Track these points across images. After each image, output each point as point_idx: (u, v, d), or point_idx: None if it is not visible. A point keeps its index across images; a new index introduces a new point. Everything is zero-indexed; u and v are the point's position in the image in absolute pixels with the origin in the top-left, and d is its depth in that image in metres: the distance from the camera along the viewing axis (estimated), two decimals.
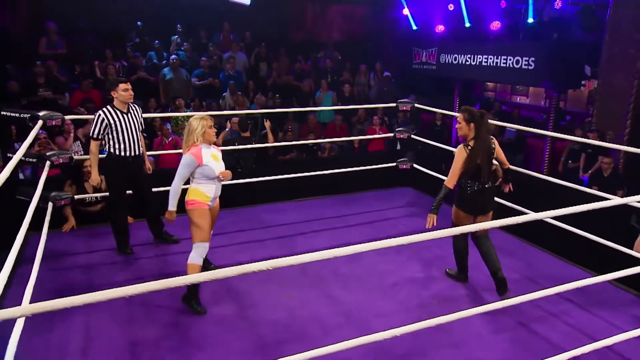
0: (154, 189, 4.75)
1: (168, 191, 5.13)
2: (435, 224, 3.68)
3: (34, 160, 4.60)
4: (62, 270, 4.26)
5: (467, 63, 9.73)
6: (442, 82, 10.84)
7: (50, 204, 4.51)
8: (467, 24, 10.01)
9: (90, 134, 4.20)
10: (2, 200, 4.38)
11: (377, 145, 8.44)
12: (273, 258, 4.68)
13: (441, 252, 4.71)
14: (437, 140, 6.10)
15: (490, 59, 9.17)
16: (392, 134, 6.44)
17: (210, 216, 3.73)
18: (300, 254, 4.72)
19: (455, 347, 3.28)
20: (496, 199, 5.13)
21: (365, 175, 6.16)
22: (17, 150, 5.26)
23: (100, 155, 4.45)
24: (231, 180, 5.64)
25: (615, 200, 2.64)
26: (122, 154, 4.25)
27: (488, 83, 12.04)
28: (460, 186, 3.86)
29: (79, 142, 6.25)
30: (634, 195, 4.30)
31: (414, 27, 11.33)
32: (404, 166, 5.92)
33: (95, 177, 4.32)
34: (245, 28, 10.51)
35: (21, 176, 6.05)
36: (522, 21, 9.08)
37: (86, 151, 6.25)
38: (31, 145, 6.32)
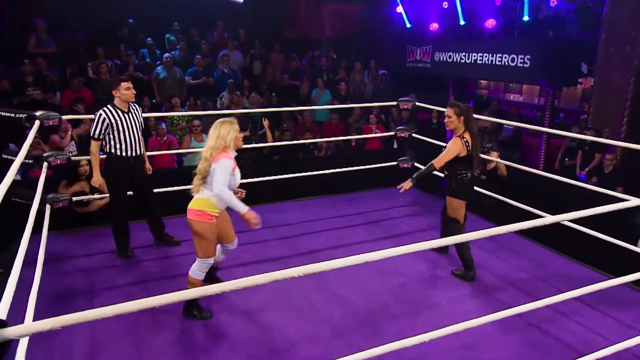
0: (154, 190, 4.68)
1: (167, 192, 5.10)
2: (407, 190, 4.16)
3: (31, 161, 4.49)
4: (62, 274, 4.16)
5: (462, 61, 9.74)
6: (437, 80, 10.85)
7: (47, 206, 4.41)
8: (462, 22, 10.03)
9: (91, 134, 4.10)
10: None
11: (374, 144, 8.40)
12: (278, 259, 4.68)
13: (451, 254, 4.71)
14: (434, 139, 6.09)
15: (486, 56, 9.19)
16: (392, 133, 6.40)
17: (217, 228, 3.43)
18: (305, 254, 4.75)
19: (467, 348, 3.25)
20: (499, 196, 5.18)
21: (365, 174, 6.13)
22: (11, 150, 5.20)
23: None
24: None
25: (634, 201, 2.62)
26: (123, 154, 4.16)
27: (481, 81, 12.08)
28: (455, 176, 4.09)
29: (73, 142, 6.12)
30: (631, 192, 4.34)
31: (408, 25, 11.33)
32: (405, 165, 5.89)
33: (97, 179, 4.22)
34: (239, 26, 10.41)
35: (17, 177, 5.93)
36: (517, 19, 9.11)
37: (81, 151, 6.17)
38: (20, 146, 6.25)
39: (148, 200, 4.52)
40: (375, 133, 8.13)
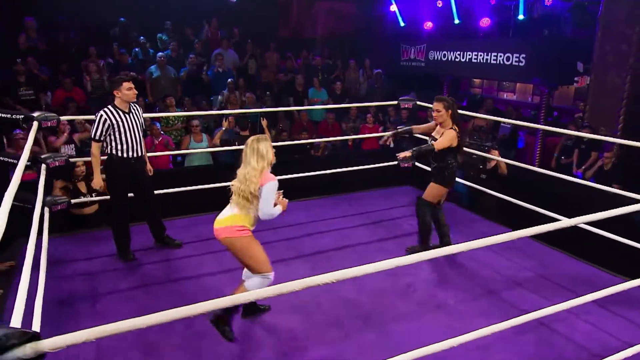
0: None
1: (166, 194, 5.03)
2: (406, 158, 4.35)
3: (28, 163, 4.39)
4: (62, 278, 4.08)
5: (457, 60, 9.77)
6: (431, 79, 10.87)
7: (46, 209, 4.32)
8: (457, 21, 10.06)
9: (92, 136, 4.03)
10: None
11: (371, 143, 8.40)
12: (283, 260, 4.64)
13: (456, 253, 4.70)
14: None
15: (480, 55, 9.23)
16: (394, 132, 6.38)
17: None
18: (310, 255, 4.72)
19: (482, 349, 3.24)
20: (503, 196, 5.20)
21: (365, 174, 6.12)
22: (7, 152, 5.10)
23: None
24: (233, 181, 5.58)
25: None
26: (124, 155, 4.09)
27: (475, 80, 12.13)
28: (447, 166, 4.36)
29: (73, 145, 6.01)
30: (630, 189, 4.38)
31: (402, 24, 11.34)
32: (406, 164, 5.86)
33: (97, 181, 4.14)
34: (232, 25, 10.32)
35: None
36: (512, 18, 9.15)
37: (79, 155, 6.07)
38: (9, 146, 6.13)
39: (149, 202, 4.45)
40: (372, 133, 8.14)
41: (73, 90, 7.75)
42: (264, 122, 6.47)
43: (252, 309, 3.55)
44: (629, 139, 4.20)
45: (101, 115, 3.96)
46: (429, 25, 10.78)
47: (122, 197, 4.27)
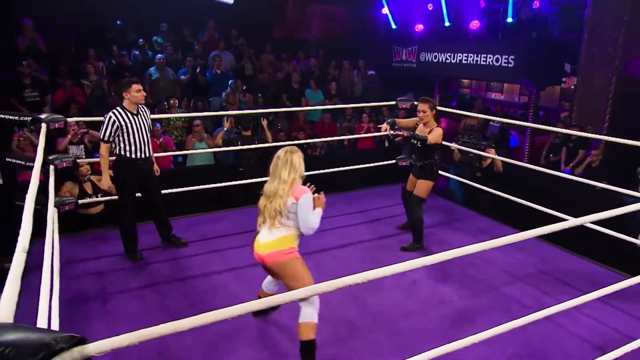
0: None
1: (169, 193, 4.97)
2: (402, 138, 4.62)
3: (33, 164, 4.31)
4: (72, 278, 4.01)
5: (448, 61, 9.79)
6: (422, 80, 10.89)
7: (54, 210, 4.24)
8: (447, 23, 10.09)
9: (101, 137, 3.96)
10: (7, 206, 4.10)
11: (366, 143, 8.39)
12: None
13: (452, 249, 4.71)
14: None
15: (471, 57, 9.25)
16: (391, 132, 6.39)
17: None
18: (315, 252, 4.68)
19: (486, 343, 3.24)
20: (500, 193, 5.23)
21: (362, 172, 6.12)
22: (16, 154, 4.99)
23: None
24: (235, 180, 5.54)
25: None
26: (133, 156, 4.04)
27: (464, 80, 12.19)
28: (434, 162, 4.55)
29: (82, 145, 5.91)
30: (615, 185, 4.44)
31: (394, 26, 11.34)
32: (403, 163, 5.87)
33: (106, 181, 4.08)
34: (228, 26, 10.24)
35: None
36: (501, 20, 9.20)
37: (88, 156, 5.99)
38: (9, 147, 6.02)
39: (156, 202, 4.40)
40: (367, 132, 8.14)
41: (73, 91, 7.63)
42: (264, 122, 6.42)
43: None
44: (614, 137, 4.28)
45: (110, 117, 3.90)
46: (420, 27, 10.80)
47: (130, 198, 4.21)
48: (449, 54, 9.70)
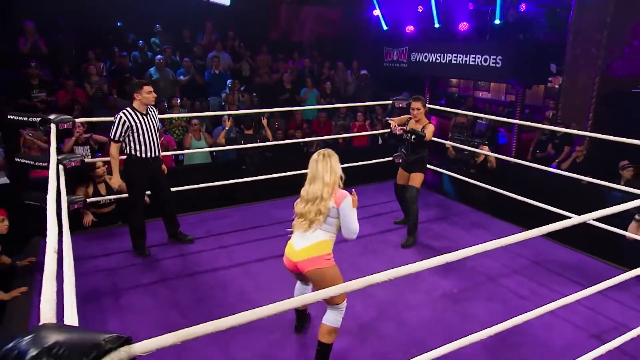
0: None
1: (179, 191, 4.93)
2: (401, 130, 4.70)
3: (45, 164, 4.25)
4: (83, 275, 3.96)
5: (437, 61, 9.84)
6: (413, 79, 10.93)
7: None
8: (437, 25, 10.11)
9: (111, 137, 3.92)
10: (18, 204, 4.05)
11: (361, 140, 8.40)
12: None
13: (450, 242, 4.76)
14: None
15: (460, 57, 9.31)
16: (388, 130, 6.41)
17: None
18: None
19: (497, 337, 3.27)
20: (493, 189, 5.27)
21: (359, 169, 6.12)
22: (25, 154, 4.91)
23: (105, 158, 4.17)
24: (236, 177, 5.51)
25: None
26: (143, 155, 4.00)
27: (452, 80, 12.24)
28: (425, 155, 4.72)
29: (88, 147, 5.84)
30: (599, 179, 4.51)
31: (385, 28, 11.34)
32: (400, 160, 5.90)
33: (116, 180, 4.04)
34: (225, 28, 10.16)
35: (5, 180, 5.62)
36: (489, 22, 9.24)
37: (93, 156, 5.91)
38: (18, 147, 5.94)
39: (165, 200, 4.37)
40: (362, 130, 8.16)
41: (75, 92, 7.53)
42: (264, 121, 6.40)
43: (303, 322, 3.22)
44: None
45: (120, 117, 3.86)
46: (410, 28, 10.81)
47: (140, 198, 4.18)
48: (439, 54, 9.75)
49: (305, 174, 2.91)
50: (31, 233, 4.54)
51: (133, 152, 3.97)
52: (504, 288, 3.88)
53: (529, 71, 8.34)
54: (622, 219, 4.41)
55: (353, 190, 2.87)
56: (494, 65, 8.68)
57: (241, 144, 5.67)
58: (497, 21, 8.98)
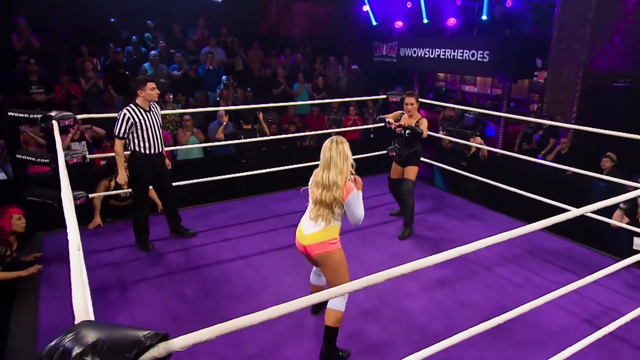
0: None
1: (183, 186, 4.90)
2: (399, 127, 4.67)
3: (46, 160, 4.19)
4: (89, 270, 3.91)
5: (426, 56, 9.85)
6: (402, 74, 10.95)
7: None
8: (425, 20, 10.13)
9: (116, 133, 3.87)
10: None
11: (353, 134, 8.41)
12: (292, 246, 4.58)
13: (445, 233, 4.81)
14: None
15: (448, 52, 9.33)
16: (382, 124, 6.43)
17: None
18: None
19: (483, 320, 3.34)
20: (485, 180, 5.33)
21: (355, 162, 6.14)
22: (26, 151, 4.82)
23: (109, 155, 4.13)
24: (234, 172, 5.49)
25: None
26: (147, 151, 3.97)
27: (439, 74, 12.29)
28: (419, 148, 4.75)
29: (84, 142, 5.75)
30: (584, 169, 4.60)
31: (374, 23, 11.32)
32: (394, 153, 5.93)
33: (122, 176, 4.00)
34: (217, 23, 10.04)
35: (3, 176, 5.52)
36: (476, 18, 9.28)
37: (91, 152, 5.84)
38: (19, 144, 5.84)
39: (168, 195, 4.35)
40: (354, 124, 8.18)
41: (71, 87, 7.39)
42: (260, 115, 6.37)
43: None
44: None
45: (124, 114, 3.82)
46: (399, 24, 10.81)
47: (144, 194, 4.16)
48: (428, 49, 9.76)
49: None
50: (34, 229, 4.48)
51: (137, 148, 3.93)
52: (499, 276, 3.95)
53: (515, 66, 8.40)
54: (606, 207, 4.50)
55: (356, 176, 2.89)
56: (481, 59, 8.71)
57: (241, 138, 5.63)
58: (484, 17, 9.02)
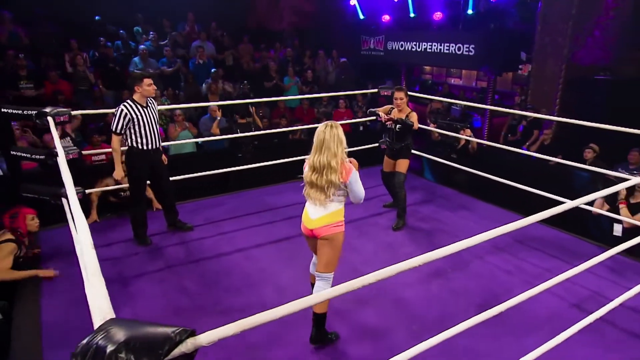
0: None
1: (178, 181, 4.86)
2: (390, 120, 4.71)
3: (42, 157, 4.12)
4: None
5: (413, 50, 9.89)
6: (389, 67, 10.97)
7: (64, 200, 4.10)
8: (412, 14, 10.15)
9: (113, 129, 3.82)
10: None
11: (343, 127, 8.39)
12: (288, 239, 4.62)
13: (437, 224, 4.88)
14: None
15: (435, 45, 9.38)
16: (374, 117, 6.45)
17: None
18: None
19: (477, 307, 3.42)
20: (475, 171, 5.40)
21: (348, 154, 6.17)
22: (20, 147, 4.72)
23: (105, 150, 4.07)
24: (229, 166, 5.48)
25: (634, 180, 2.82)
26: (144, 147, 3.93)
27: (425, 67, 12.35)
28: (410, 142, 4.79)
29: (68, 138, 5.65)
30: (568, 159, 4.70)
31: (362, 17, 11.30)
32: (384, 146, 5.97)
33: (119, 172, 3.96)
34: (206, 17, 9.91)
35: None
36: (462, 12, 9.33)
37: (82, 147, 5.72)
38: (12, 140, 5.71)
39: (166, 190, 4.32)
40: (344, 117, 8.18)
41: (59, 82, 7.25)
42: (253, 109, 6.34)
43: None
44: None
45: (122, 110, 3.77)
46: (386, 18, 10.80)
47: (142, 190, 4.13)
48: (415, 42, 9.80)
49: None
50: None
51: (134, 144, 3.89)
52: (491, 265, 4.03)
53: (500, 59, 8.49)
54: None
55: (352, 158, 2.92)
56: (467, 53, 8.78)
57: (237, 132, 5.60)
58: (470, 11, 9.07)
